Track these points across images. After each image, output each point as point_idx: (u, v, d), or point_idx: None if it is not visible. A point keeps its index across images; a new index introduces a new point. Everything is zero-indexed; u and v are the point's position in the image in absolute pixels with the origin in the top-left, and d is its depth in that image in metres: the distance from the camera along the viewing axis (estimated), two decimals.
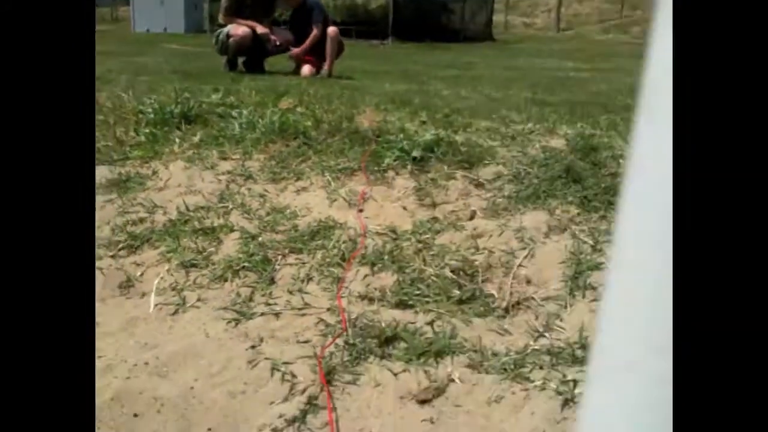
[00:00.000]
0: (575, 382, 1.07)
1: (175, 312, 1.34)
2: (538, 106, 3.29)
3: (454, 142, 2.14)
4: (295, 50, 5.16)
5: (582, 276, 1.36)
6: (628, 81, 5.98)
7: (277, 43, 5.09)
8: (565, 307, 1.29)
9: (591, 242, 1.46)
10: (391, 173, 1.98)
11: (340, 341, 1.20)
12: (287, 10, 5.49)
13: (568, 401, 1.04)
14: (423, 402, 1.05)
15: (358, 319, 1.27)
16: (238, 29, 5.00)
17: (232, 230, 1.63)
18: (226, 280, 1.42)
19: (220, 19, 5.24)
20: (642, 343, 0.18)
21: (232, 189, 1.89)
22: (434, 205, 1.78)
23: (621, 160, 1.84)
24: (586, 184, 1.70)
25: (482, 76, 5.85)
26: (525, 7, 16.21)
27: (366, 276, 1.43)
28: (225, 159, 2.12)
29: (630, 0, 15.98)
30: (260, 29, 5.02)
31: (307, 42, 5.12)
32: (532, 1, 16.45)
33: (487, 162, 1.98)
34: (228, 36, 5.05)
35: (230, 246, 1.56)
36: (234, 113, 2.52)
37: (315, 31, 5.09)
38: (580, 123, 2.38)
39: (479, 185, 1.86)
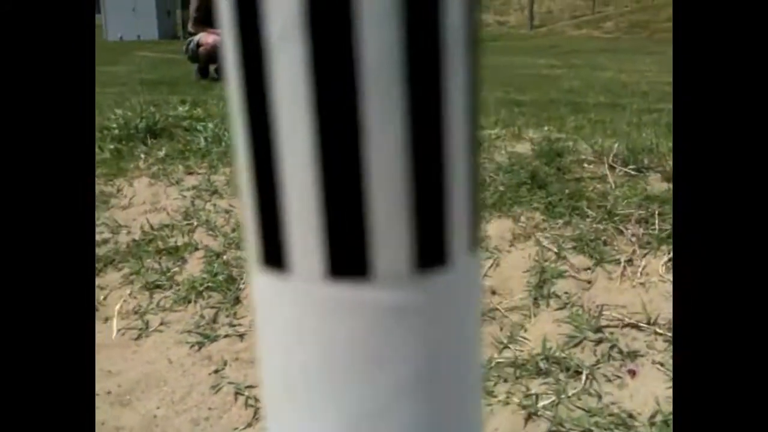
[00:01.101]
0: (538, 395, 1.07)
1: (138, 337, 1.32)
2: (509, 106, 3.31)
3: None
4: None
5: (546, 285, 1.36)
6: (601, 76, 6.04)
7: None
8: (529, 317, 1.29)
9: (555, 249, 1.47)
10: None
11: None
12: None
13: (532, 415, 1.04)
14: None
15: None
16: (209, 38, 4.97)
17: (196, 249, 1.62)
18: (189, 302, 1.40)
19: (190, 27, 5.20)
20: None
21: (197, 205, 1.87)
22: None
23: (585, 165, 1.85)
24: (551, 189, 1.71)
25: None
26: (498, 6, 16.29)
27: None
28: (191, 174, 2.10)
29: None
30: None
31: None
32: None
33: None
34: (198, 45, 5.01)
35: (194, 265, 1.55)
36: (200, 126, 2.50)
37: None
38: (546, 126, 2.39)
39: None
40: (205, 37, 4.98)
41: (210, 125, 2.50)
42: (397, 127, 0.14)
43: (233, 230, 1.72)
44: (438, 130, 0.15)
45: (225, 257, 1.57)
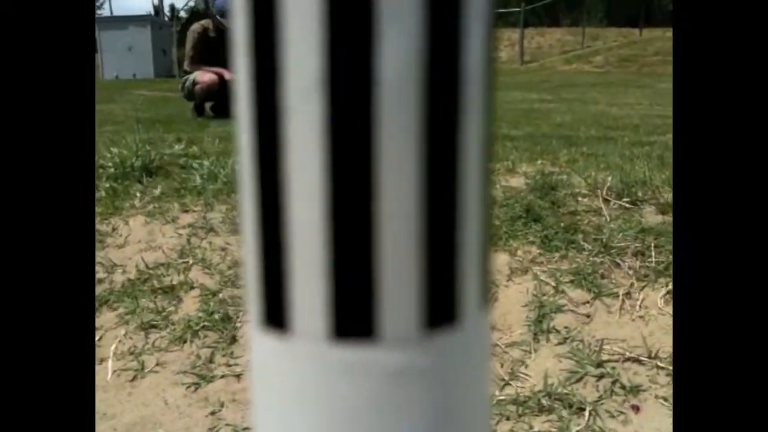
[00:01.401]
0: None
1: (134, 378, 1.30)
2: (502, 141, 3.33)
3: None
4: None
5: (545, 319, 1.35)
6: (592, 110, 6.11)
7: None
8: (530, 352, 1.28)
9: (553, 283, 1.46)
10: None
11: None
12: None
13: None
14: None
15: None
16: (205, 76, 5.02)
17: (192, 287, 1.60)
18: (185, 342, 1.39)
19: (186, 66, 5.26)
20: None
21: (193, 243, 1.86)
22: None
23: (579, 198, 1.86)
24: (546, 223, 1.71)
25: None
26: None
27: None
28: (186, 212, 2.10)
29: (590, 31, 16.45)
30: (228, 75, 5.05)
31: None
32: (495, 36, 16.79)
33: None
34: (194, 83, 5.06)
35: (190, 304, 1.53)
36: (195, 164, 2.51)
37: None
38: (540, 160, 2.41)
39: None
40: (201, 76, 5.03)
41: (206, 163, 2.51)
42: (411, 189, 0.14)
43: (229, 268, 1.71)
44: (451, 189, 0.15)
45: (221, 295, 1.56)
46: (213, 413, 1.16)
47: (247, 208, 0.16)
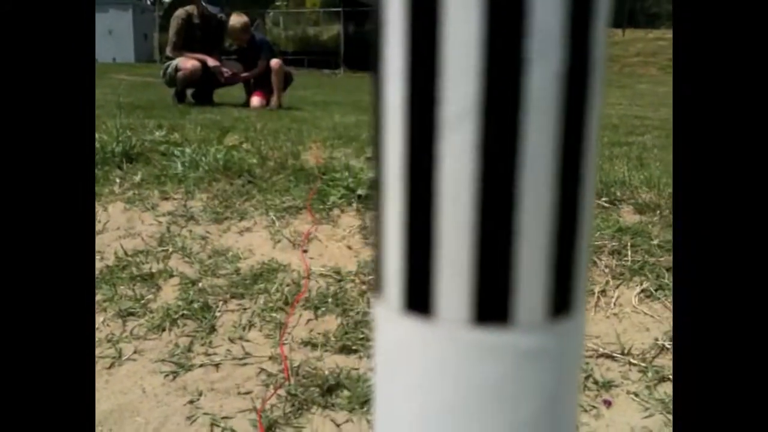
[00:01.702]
0: None
1: (111, 366, 1.29)
2: None
3: None
4: (244, 74, 5.17)
5: None
6: None
7: (228, 73, 5.08)
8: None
9: None
10: (336, 212, 1.98)
11: (282, 391, 1.18)
12: (233, 46, 5.48)
13: None
14: None
15: (300, 367, 1.25)
16: (187, 62, 4.97)
17: (171, 276, 1.60)
18: (164, 330, 1.39)
19: (168, 52, 5.20)
20: None
21: (172, 231, 1.85)
22: None
23: None
24: None
25: None
26: None
27: (309, 320, 1.42)
28: (166, 199, 2.09)
29: None
30: (211, 62, 5.00)
31: (255, 71, 5.14)
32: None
33: None
34: (176, 69, 5.01)
35: (169, 293, 1.53)
36: (177, 151, 2.49)
37: (260, 66, 5.12)
38: None
39: None
40: (184, 62, 4.98)
41: (187, 150, 2.49)
42: (545, 197, 0.16)
43: (209, 257, 1.71)
44: (576, 196, 0.17)
45: (201, 284, 1.56)
46: (191, 402, 1.16)
47: (391, 208, 0.18)
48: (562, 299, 0.17)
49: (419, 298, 0.17)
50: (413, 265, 0.17)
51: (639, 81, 10.77)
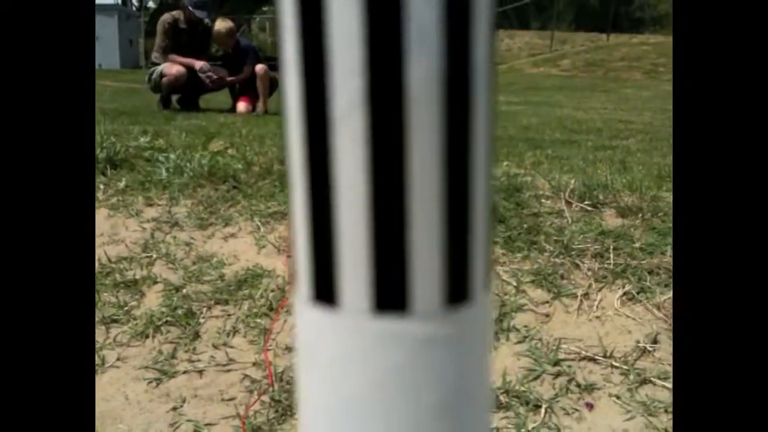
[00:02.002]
0: (498, 429, 1.08)
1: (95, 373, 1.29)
2: None
3: None
4: (230, 79, 5.16)
5: (506, 318, 1.38)
6: (557, 113, 6.21)
7: (214, 77, 5.06)
8: (490, 350, 1.30)
9: (514, 283, 1.49)
10: None
11: (266, 398, 1.18)
12: (219, 51, 5.47)
13: None
14: None
15: (284, 372, 1.25)
16: (172, 68, 4.95)
17: (155, 282, 1.59)
18: (147, 337, 1.38)
19: (154, 57, 5.18)
20: None
21: (156, 237, 1.84)
22: None
23: (542, 200, 1.90)
24: (510, 224, 1.75)
25: None
26: None
27: (294, 326, 1.42)
28: (151, 205, 2.08)
29: (559, 35, 16.68)
30: (199, 64, 4.99)
31: (241, 76, 5.13)
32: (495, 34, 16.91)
33: None
34: (161, 75, 4.99)
35: (153, 299, 1.52)
36: (161, 157, 2.48)
37: (246, 72, 5.11)
38: (506, 162, 2.45)
39: None
40: (169, 68, 4.96)
41: (172, 156, 2.48)
42: (434, 185, 0.17)
43: (193, 263, 1.70)
44: (466, 183, 0.18)
45: (184, 291, 1.55)
46: (174, 409, 1.15)
47: (298, 203, 0.19)
48: (458, 288, 0.18)
49: (325, 288, 0.18)
50: (318, 256, 0.18)
51: (623, 85, 10.87)
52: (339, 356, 0.18)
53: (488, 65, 0.18)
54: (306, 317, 0.19)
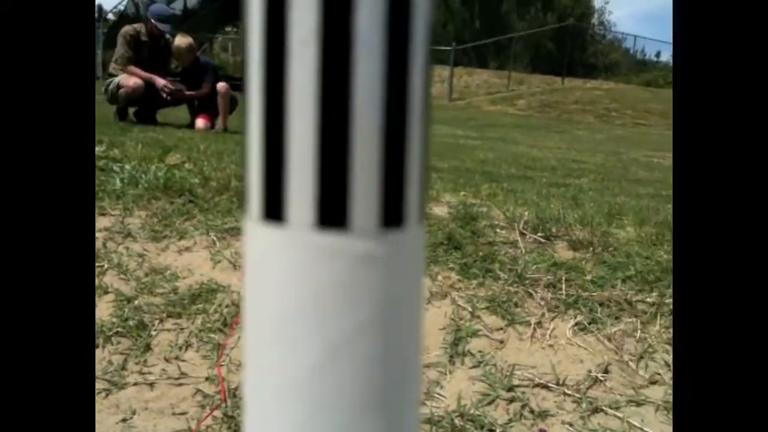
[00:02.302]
0: None
1: None
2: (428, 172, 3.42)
3: None
4: (189, 92, 5.11)
5: (461, 342, 1.40)
6: (513, 150, 6.36)
7: (172, 88, 5.00)
8: (446, 374, 1.32)
9: (470, 309, 1.51)
10: None
11: (218, 413, 1.16)
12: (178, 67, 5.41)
13: None
14: None
15: (238, 388, 1.23)
16: (130, 80, 4.88)
17: (106, 292, 1.55)
18: (97, 347, 1.34)
19: (112, 69, 5.09)
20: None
21: (109, 247, 1.80)
22: None
23: (497, 230, 1.94)
24: (466, 251, 1.78)
25: None
26: None
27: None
28: (103, 215, 2.03)
29: (515, 76, 17.17)
30: (160, 81, 4.92)
31: (201, 91, 5.09)
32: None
33: None
34: (118, 86, 4.91)
35: (104, 309, 1.48)
36: (116, 167, 2.43)
37: (205, 88, 5.08)
38: (462, 192, 2.50)
39: None
40: (126, 79, 4.88)
41: (127, 167, 2.44)
42: (376, 118, 0.19)
43: (146, 275, 1.67)
44: (403, 118, 0.20)
45: (136, 302, 1.52)
46: (124, 420, 1.12)
47: (253, 127, 0.20)
48: (394, 211, 0.20)
49: (274, 206, 0.20)
50: (269, 176, 0.20)
51: (577, 127, 11.23)
52: (284, 269, 0.20)
53: (427, 21, 0.20)
54: (255, 235, 0.21)
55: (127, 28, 5.06)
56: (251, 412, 0.22)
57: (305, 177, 0.19)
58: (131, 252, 1.80)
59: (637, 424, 1.16)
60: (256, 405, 0.22)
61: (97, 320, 1.43)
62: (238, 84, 6.51)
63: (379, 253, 0.20)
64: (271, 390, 0.21)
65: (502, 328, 1.46)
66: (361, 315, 0.20)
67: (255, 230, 0.21)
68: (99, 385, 1.21)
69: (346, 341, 0.20)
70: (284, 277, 0.20)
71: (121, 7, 16.90)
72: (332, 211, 0.19)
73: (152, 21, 4.98)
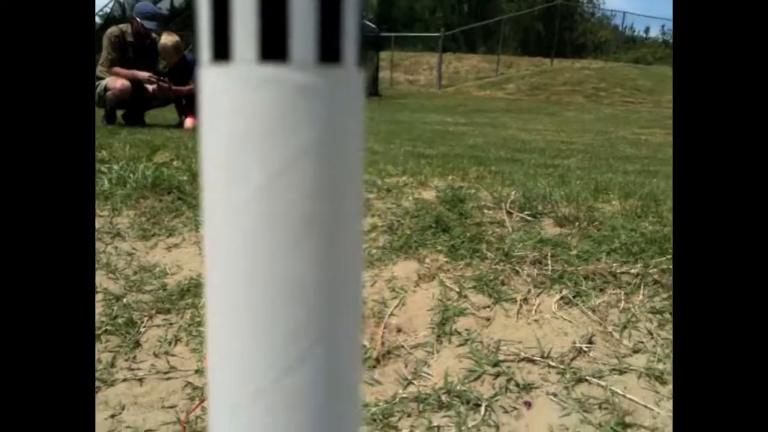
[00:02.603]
0: (440, 428, 1.10)
1: None
2: (416, 158, 3.43)
3: None
4: (176, 88, 5.10)
5: (448, 322, 1.41)
6: (502, 134, 6.37)
7: (162, 85, 4.99)
8: (433, 353, 1.33)
9: (457, 289, 1.53)
10: None
11: (207, 403, 1.17)
12: (165, 67, 5.39)
13: None
14: None
15: None
16: (117, 82, 4.86)
17: (95, 292, 1.56)
18: None
19: (98, 71, 5.07)
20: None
21: (98, 248, 1.81)
22: None
23: (485, 210, 1.95)
24: (454, 233, 1.79)
25: (367, 130, 6.00)
26: (408, 65, 16.93)
27: None
28: None
29: (505, 60, 17.13)
30: (142, 74, 4.91)
31: (189, 86, 5.08)
32: (415, 59, 17.23)
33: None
34: (105, 89, 4.89)
35: None
36: (104, 168, 2.44)
37: (191, 86, 5.07)
38: (450, 176, 2.50)
39: None
40: (113, 82, 4.87)
41: (115, 167, 2.44)
42: None
43: (135, 273, 1.68)
44: None
45: (125, 300, 1.53)
46: (113, 416, 1.13)
47: None
48: (331, 48, 0.22)
49: (222, 47, 0.22)
50: (216, 20, 0.22)
51: (566, 108, 11.23)
52: (232, 101, 0.22)
53: None
54: (206, 77, 0.23)
55: (112, 29, 5.04)
56: (207, 225, 0.24)
57: (248, 16, 0.21)
58: (120, 251, 1.80)
59: (620, 392, 1.17)
60: (210, 221, 0.23)
61: None
62: None
63: (318, 84, 0.22)
64: (220, 207, 0.23)
65: (488, 306, 1.48)
66: (302, 139, 0.22)
67: (206, 73, 0.22)
68: None
69: (289, 164, 0.22)
70: (232, 108, 0.22)
71: (107, 9, 16.80)
72: (273, 46, 0.21)
73: (138, 20, 4.96)
